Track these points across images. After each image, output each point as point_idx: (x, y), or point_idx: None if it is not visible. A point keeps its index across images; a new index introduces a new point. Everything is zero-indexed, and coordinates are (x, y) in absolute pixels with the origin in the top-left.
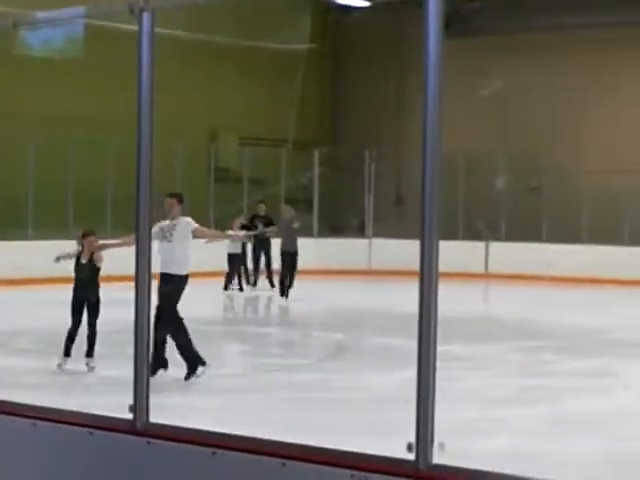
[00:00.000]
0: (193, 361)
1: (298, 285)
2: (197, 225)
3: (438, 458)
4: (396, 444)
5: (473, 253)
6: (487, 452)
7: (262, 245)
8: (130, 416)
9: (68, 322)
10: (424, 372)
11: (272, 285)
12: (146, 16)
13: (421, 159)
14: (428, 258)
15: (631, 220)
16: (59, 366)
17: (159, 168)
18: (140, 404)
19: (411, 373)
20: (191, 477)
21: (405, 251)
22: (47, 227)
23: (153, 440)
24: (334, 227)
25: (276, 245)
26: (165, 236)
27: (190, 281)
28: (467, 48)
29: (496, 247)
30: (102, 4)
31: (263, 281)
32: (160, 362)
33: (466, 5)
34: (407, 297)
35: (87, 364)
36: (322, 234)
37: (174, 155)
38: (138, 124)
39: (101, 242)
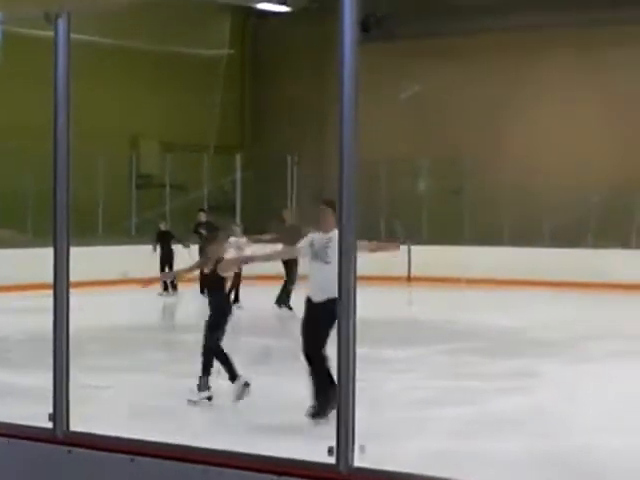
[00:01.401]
0: (324, 401)
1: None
2: None
3: (359, 461)
4: (318, 448)
5: (395, 257)
6: (409, 454)
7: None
8: (50, 425)
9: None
10: (344, 376)
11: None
12: (61, 22)
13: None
14: (346, 260)
15: (551, 221)
16: (198, 388)
17: (80, 175)
18: (60, 413)
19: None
20: None
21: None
22: None
23: (74, 448)
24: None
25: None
26: (319, 256)
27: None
28: (387, 52)
29: (418, 250)
30: (17, 10)
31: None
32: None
33: (385, 9)
34: None
35: (238, 397)
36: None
37: (95, 162)
38: (54, 130)
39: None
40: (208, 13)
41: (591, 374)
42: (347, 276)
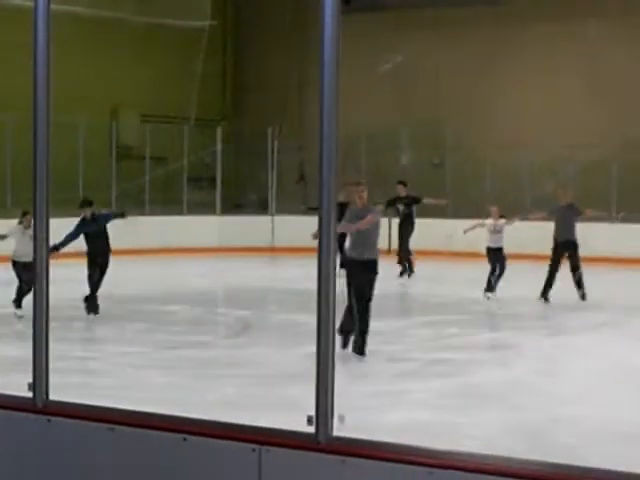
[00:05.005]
0: None
1: (205, 263)
2: None
3: (339, 431)
4: (297, 418)
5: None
6: (389, 425)
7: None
8: (30, 394)
9: None
10: (323, 346)
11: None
12: None
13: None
14: (326, 234)
15: (532, 194)
16: None
17: (60, 146)
18: (39, 382)
19: (313, 348)
20: (91, 454)
21: (307, 227)
22: None
23: (53, 418)
24: (237, 204)
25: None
26: None
27: None
28: (370, 23)
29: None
30: None
31: None
32: None
33: None
34: (309, 273)
35: None
36: (225, 211)
37: (75, 133)
38: (34, 100)
39: None
40: None
41: (570, 347)
42: (327, 249)
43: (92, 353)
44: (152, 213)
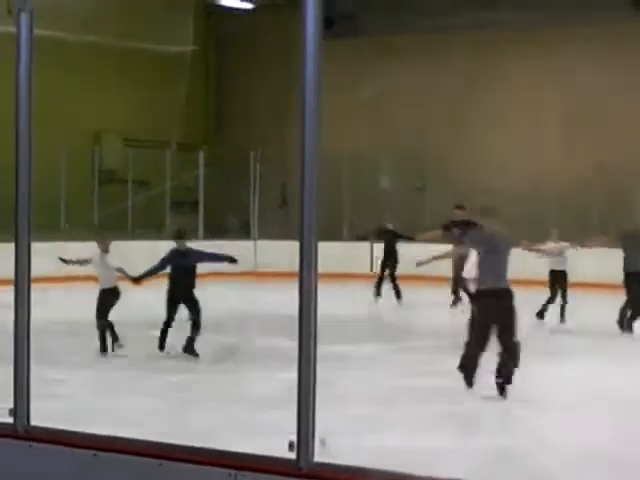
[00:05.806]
0: None
1: None
2: None
3: (320, 455)
4: (279, 443)
5: (358, 253)
6: (369, 450)
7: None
8: (11, 420)
9: None
10: (304, 372)
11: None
12: (24, 17)
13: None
14: (307, 259)
15: (512, 220)
16: None
17: (42, 170)
18: (21, 407)
19: (294, 374)
20: (72, 479)
21: (290, 252)
22: None
23: (35, 443)
24: (220, 229)
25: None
26: None
27: None
28: (352, 49)
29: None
30: None
31: None
32: None
33: (351, 6)
34: (292, 298)
35: None
36: (207, 236)
37: (58, 157)
38: (16, 125)
39: None
40: (171, 10)
41: (554, 372)
42: (308, 274)
43: (73, 377)
44: (134, 238)
